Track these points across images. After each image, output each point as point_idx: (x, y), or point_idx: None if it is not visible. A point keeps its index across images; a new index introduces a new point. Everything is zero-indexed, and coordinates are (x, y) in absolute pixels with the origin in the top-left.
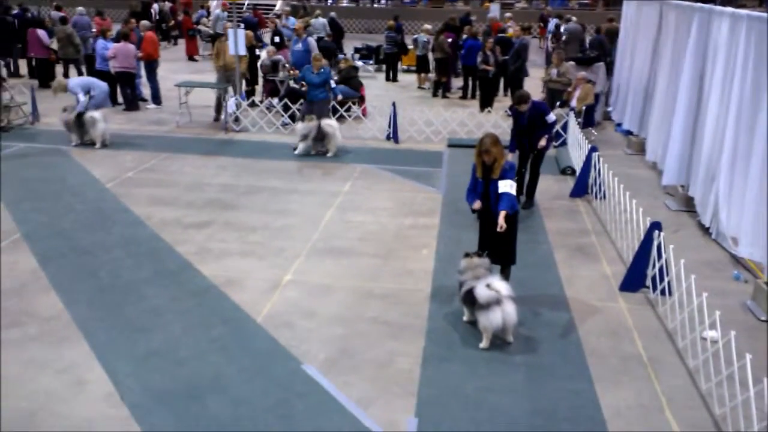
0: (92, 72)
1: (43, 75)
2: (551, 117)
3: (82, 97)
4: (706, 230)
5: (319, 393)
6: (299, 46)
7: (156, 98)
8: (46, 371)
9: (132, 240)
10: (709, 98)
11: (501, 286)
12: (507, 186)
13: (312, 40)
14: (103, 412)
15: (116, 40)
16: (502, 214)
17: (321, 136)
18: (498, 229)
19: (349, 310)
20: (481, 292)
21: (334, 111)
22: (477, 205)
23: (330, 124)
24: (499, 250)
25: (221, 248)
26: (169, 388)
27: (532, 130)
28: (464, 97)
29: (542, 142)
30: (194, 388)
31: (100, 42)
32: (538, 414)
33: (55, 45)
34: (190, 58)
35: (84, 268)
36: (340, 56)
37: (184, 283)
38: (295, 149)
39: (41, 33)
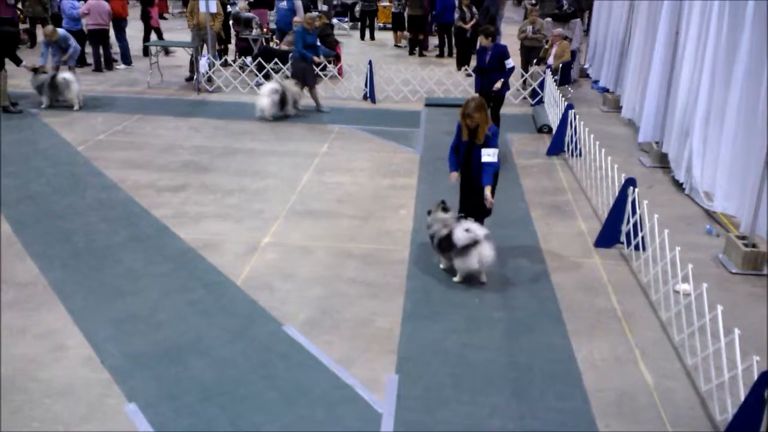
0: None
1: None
2: (510, 62)
3: (73, 42)
4: (679, 186)
5: (301, 353)
6: (284, 4)
7: (126, 58)
8: (25, 337)
9: (106, 204)
10: (684, 55)
11: (478, 228)
12: (490, 155)
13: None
14: (84, 376)
15: None
16: (488, 189)
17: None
18: (488, 206)
19: (328, 271)
20: (460, 236)
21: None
22: (453, 175)
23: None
24: (478, 209)
25: (198, 211)
26: (149, 351)
27: (492, 71)
28: (441, 55)
29: (497, 85)
30: (175, 351)
31: (66, 1)
32: (515, 368)
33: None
34: (160, 16)
35: (58, 232)
36: (315, 13)
37: (161, 246)
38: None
39: None
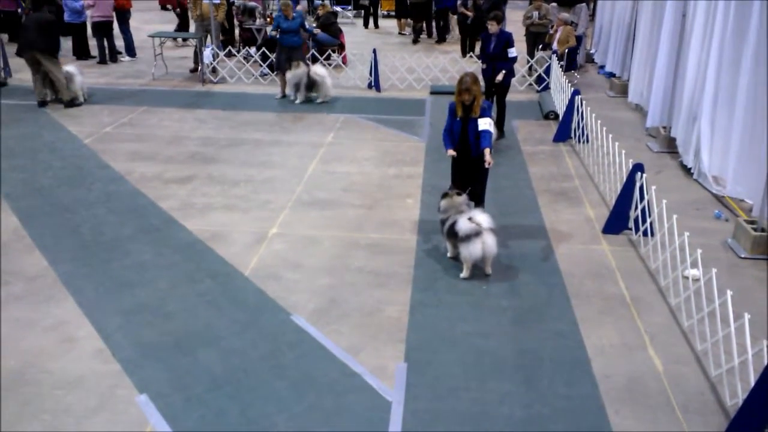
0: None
1: (11, 29)
2: (513, 51)
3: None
4: (687, 171)
5: (309, 342)
6: None
7: (130, 50)
8: (34, 329)
9: (113, 196)
10: (691, 38)
11: (482, 218)
12: (486, 124)
13: None
14: (95, 368)
15: None
16: (487, 151)
17: (310, 84)
18: (486, 166)
19: (336, 261)
20: (463, 225)
21: (314, 59)
22: (451, 152)
23: (317, 72)
24: (477, 181)
25: (205, 203)
26: (159, 342)
27: (497, 57)
28: (441, 40)
29: (499, 77)
30: (184, 342)
31: None
32: (523, 355)
33: None
34: (163, 7)
35: (66, 225)
36: (318, 2)
37: (169, 238)
38: (284, 97)
39: None
